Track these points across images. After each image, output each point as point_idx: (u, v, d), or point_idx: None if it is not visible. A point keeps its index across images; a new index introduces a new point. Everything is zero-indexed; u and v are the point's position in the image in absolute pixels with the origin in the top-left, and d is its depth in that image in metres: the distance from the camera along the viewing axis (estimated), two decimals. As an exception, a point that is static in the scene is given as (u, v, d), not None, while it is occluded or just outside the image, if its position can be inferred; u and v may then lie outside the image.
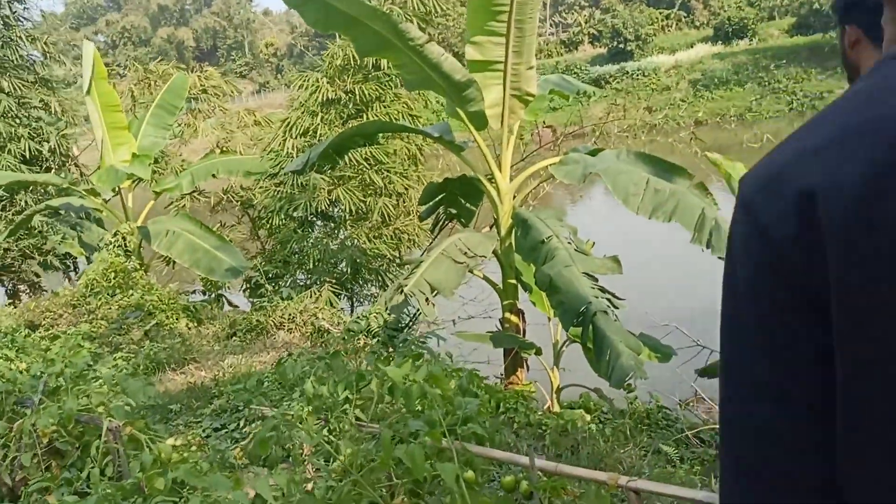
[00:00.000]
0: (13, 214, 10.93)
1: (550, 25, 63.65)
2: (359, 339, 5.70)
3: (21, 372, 4.01)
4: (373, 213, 9.52)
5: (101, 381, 3.99)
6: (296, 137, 9.29)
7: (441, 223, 7.56)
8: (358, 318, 6.17)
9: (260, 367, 5.92)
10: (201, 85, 10.73)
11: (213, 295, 10.17)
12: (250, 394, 4.54)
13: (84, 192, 9.37)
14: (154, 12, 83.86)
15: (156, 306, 7.30)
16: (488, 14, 5.59)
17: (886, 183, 0.57)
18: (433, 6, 8.96)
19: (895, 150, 0.58)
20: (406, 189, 9.83)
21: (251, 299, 9.73)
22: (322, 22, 5.41)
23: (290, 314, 7.29)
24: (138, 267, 8.34)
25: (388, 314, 5.95)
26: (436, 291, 5.68)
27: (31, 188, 10.70)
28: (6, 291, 12.05)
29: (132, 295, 7.43)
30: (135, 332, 6.67)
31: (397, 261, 9.88)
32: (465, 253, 5.97)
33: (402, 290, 5.74)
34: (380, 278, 9.79)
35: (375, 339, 5.70)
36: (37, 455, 3.26)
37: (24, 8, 11.34)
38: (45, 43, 11.56)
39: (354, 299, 10.11)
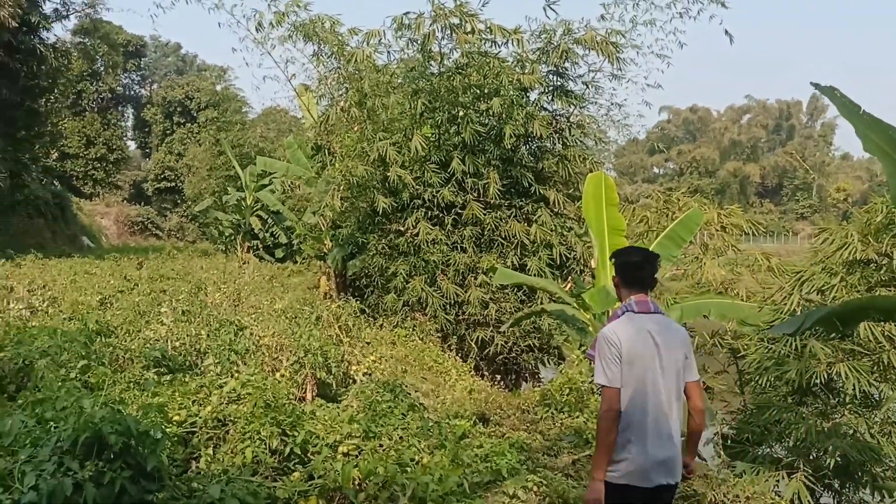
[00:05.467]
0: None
1: None
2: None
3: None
4: (887, 401, 7.53)
5: None
6: (807, 293, 8.03)
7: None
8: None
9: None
10: (719, 223, 10.32)
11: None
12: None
13: (577, 305, 9.82)
14: (725, 146, 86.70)
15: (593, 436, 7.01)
16: None
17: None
18: None
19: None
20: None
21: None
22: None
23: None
24: (594, 390, 8.27)
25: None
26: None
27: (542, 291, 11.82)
28: (510, 380, 13.27)
29: (577, 417, 7.33)
30: (563, 458, 6.49)
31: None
32: None
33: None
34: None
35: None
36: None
37: (582, 133, 12.75)
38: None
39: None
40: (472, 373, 10.81)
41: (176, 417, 5.34)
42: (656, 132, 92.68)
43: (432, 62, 12.72)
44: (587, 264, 12.64)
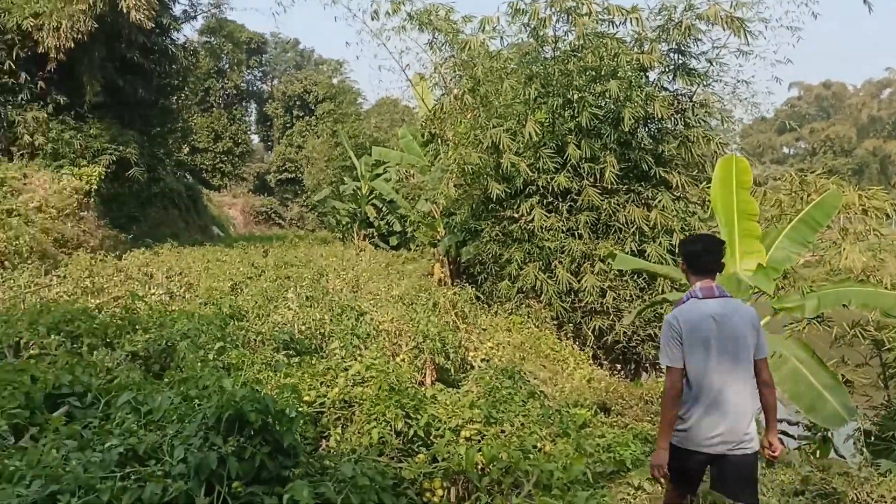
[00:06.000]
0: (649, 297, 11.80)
1: None
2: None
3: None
4: None
5: None
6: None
7: None
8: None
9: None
10: (861, 205, 9.57)
11: (817, 434, 8.93)
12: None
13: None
14: (863, 123, 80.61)
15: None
16: None
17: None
18: None
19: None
20: None
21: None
22: None
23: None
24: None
25: None
26: None
27: (664, 278, 11.39)
28: (629, 369, 12.92)
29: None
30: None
31: None
32: None
33: None
34: None
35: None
36: None
37: (706, 112, 12.17)
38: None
39: None
40: (590, 362, 10.62)
41: (306, 398, 5.56)
42: (786, 110, 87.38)
43: (546, 46, 12.53)
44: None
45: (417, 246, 22.12)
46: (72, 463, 3.65)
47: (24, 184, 18.39)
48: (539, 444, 5.37)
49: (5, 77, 19.97)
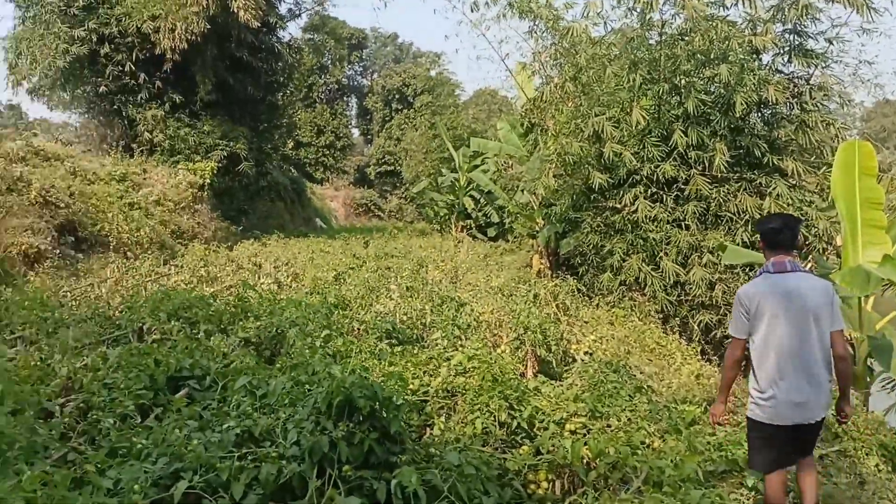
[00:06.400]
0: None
1: None
2: None
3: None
4: None
5: None
6: None
7: None
8: None
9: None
10: None
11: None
12: None
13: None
14: None
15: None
16: None
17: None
18: None
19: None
20: None
21: None
22: None
23: None
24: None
25: None
26: None
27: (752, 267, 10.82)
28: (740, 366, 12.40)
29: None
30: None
31: None
32: None
33: None
34: None
35: None
36: None
37: (824, 95, 11.44)
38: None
39: None
40: (698, 357, 10.24)
41: (410, 387, 5.63)
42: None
43: (652, 31, 12.13)
44: (831, 242, 11.43)
45: (515, 237, 22.01)
46: (193, 442, 3.84)
47: (144, 178, 19.55)
48: (647, 441, 5.22)
49: (126, 78, 21.27)
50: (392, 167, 50.72)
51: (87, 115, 24.92)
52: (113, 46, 20.75)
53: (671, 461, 4.60)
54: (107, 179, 17.70)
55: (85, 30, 19.99)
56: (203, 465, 3.65)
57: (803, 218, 10.86)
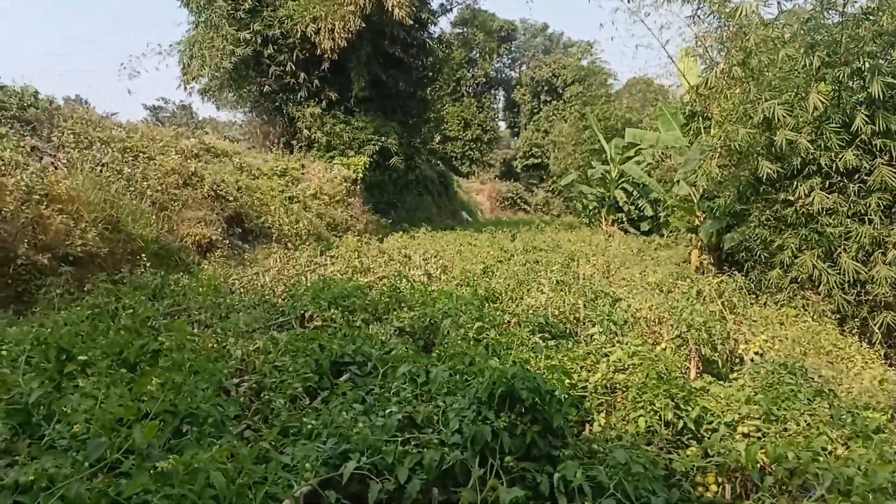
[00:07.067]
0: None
1: None
2: None
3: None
4: None
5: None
6: None
7: None
8: None
9: None
10: None
11: None
12: None
13: None
14: None
15: None
16: None
17: None
18: None
19: None
20: None
21: None
22: None
23: None
24: None
25: None
26: None
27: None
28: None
29: None
30: None
31: None
32: None
33: None
34: None
35: None
36: None
37: None
38: None
39: None
40: (882, 361, 9.28)
41: (569, 381, 5.48)
42: None
43: (831, 11, 11.10)
44: None
45: (671, 231, 21.07)
46: (359, 425, 3.92)
47: (303, 173, 20.60)
48: (829, 447, 4.75)
49: (287, 77, 22.46)
50: (539, 160, 50.34)
51: (251, 114, 26.64)
52: (276, 48, 21.98)
53: (860, 469, 4.16)
54: (269, 174, 18.82)
55: (250, 32, 21.31)
56: (369, 448, 3.72)
57: None
